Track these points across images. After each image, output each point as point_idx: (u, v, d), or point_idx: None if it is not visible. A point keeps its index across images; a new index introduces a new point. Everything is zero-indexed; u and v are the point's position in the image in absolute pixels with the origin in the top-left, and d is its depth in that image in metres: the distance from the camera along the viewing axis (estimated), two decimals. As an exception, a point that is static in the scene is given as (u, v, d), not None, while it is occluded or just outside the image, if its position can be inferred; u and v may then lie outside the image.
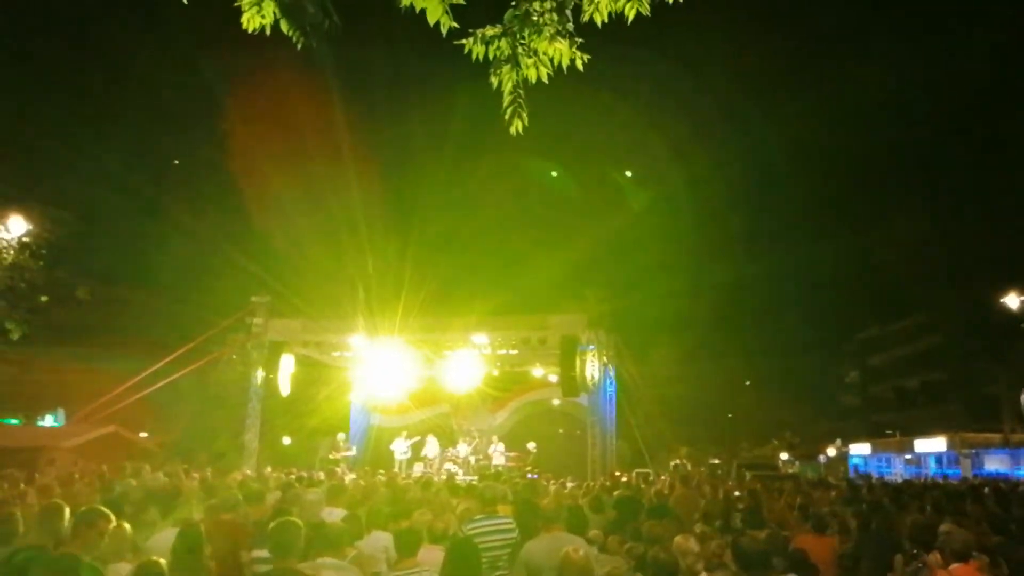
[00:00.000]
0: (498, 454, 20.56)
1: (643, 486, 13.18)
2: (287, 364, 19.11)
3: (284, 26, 4.23)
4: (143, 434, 23.03)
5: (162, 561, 4.02)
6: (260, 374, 19.31)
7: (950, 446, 39.42)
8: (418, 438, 20.80)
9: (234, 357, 20.81)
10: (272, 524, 4.63)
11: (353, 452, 20.93)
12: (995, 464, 36.88)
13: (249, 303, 19.90)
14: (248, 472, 14.98)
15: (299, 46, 4.30)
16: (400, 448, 20.39)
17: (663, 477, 16.65)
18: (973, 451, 38.14)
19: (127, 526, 4.78)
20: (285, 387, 19.05)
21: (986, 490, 13.60)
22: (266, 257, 25.84)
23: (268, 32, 4.20)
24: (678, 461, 31.03)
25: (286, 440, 24.71)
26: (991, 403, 41.85)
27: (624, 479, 15.91)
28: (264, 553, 4.89)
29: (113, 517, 4.62)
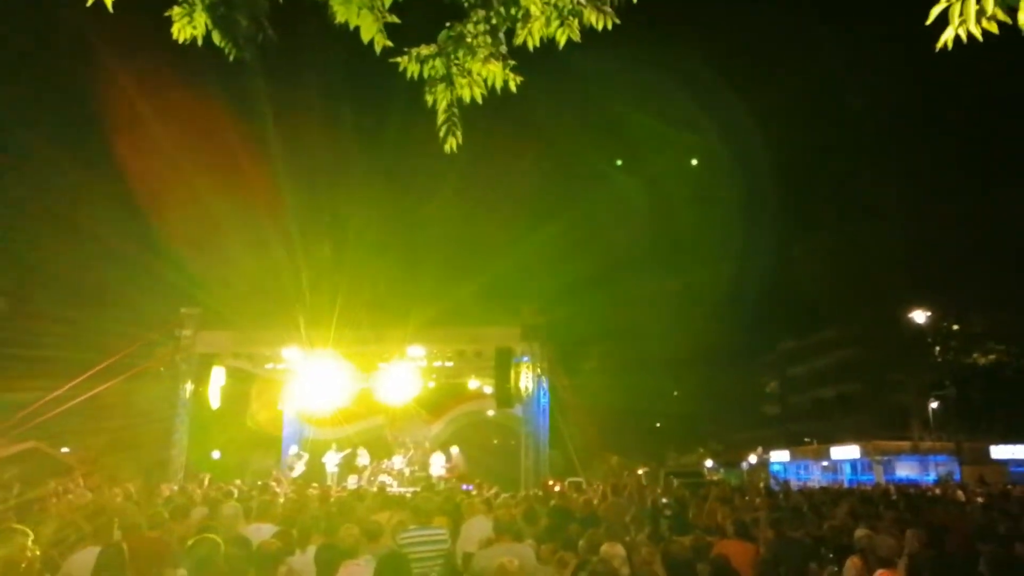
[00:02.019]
0: (438, 466, 20.48)
1: (575, 495, 13.33)
2: (217, 377, 18.69)
3: (216, 37, 4.20)
4: (64, 449, 22.17)
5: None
6: (189, 387, 18.81)
7: (864, 453, 41.23)
8: (348, 451, 20.55)
9: (162, 370, 20.12)
10: (191, 542, 4.53)
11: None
12: (906, 470, 38.78)
13: (178, 315, 19.38)
14: (174, 487, 14.53)
15: (231, 58, 4.27)
16: (331, 461, 20.12)
17: (598, 486, 16.88)
18: (885, 458, 40.00)
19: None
20: (215, 400, 18.61)
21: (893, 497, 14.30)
22: (196, 269, 25.13)
23: (200, 43, 4.17)
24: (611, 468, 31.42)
25: (215, 454, 24.02)
26: (901, 412, 44.03)
27: (557, 488, 16.07)
28: (184, 572, 4.78)
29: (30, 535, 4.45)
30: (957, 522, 8.33)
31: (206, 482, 15.35)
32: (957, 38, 3.14)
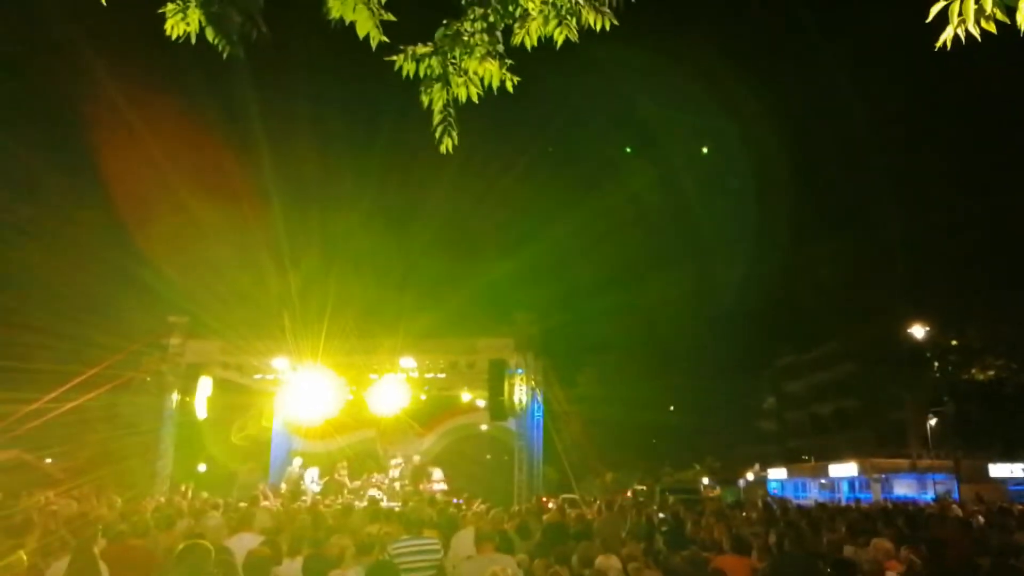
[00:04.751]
0: (436, 481, 20.30)
1: (568, 510, 13.22)
2: (204, 387, 18.49)
3: (209, 34, 4.15)
4: (48, 460, 21.94)
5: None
6: (175, 397, 18.62)
7: (861, 471, 41.08)
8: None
9: (148, 380, 19.92)
10: (180, 548, 4.48)
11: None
12: (903, 488, 38.61)
13: (165, 323, 19.22)
14: (160, 499, 14.35)
15: (224, 55, 4.22)
16: (310, 477, 19.83)
17: (594, 502, 16.76)
18: (883, 476, 39.85)
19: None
20: (202, 411, 18.41)
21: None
22: (184, 277, 24.95)
23: (193, 40, 4.12)
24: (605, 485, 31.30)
25: (202, 467, 23.79)
26: (899, 429, 43.92)
27: (551, 504, 15.92)
28: (172, 580, 4.71)
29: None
30: (956, 537, 8.26)
31: (189, 493, 15.18)
32: (956, 38, 3.12)
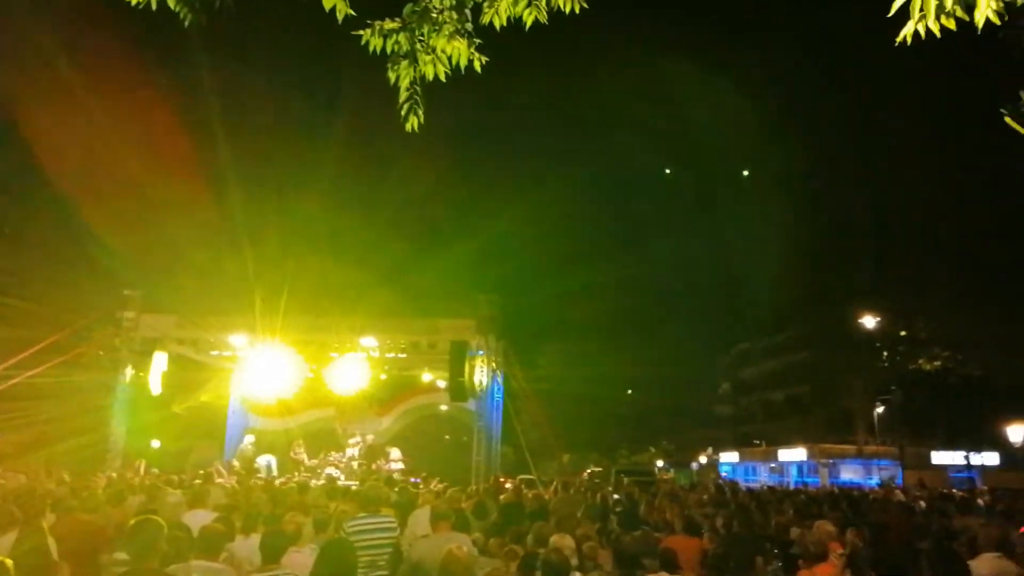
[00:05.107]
0: (393, 460, 20.25)
1: (525, 490, 13.34)
2: (159, 362, 18.14)
3: (171, 1, 4.05)
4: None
5: (8, 561, 3.76)
6: (129, 372, 18.25)
7: (810, 456, 42.14)
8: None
9: (101, 353, 19.47)
10: (132, 523, 4.42)
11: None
12: (850, 474, 39.72)
13: (120, 296, 18.78)
14: (112, 474, 14.10)
15: (187, 23, 4.12)
16: (263, 463, 19.59)
17: (552, 482, 16.94)
18: (831, 461, 40.93)
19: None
20: (156, 386, 18.08)
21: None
22: (140, 252, 24.30)
23: (154, 6, 4.01)
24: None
25: (155, 443, 23.36)
26: (847, 416, 45.07)
27: (508, 485, 16.05)
28: (125, 555, 4.66)
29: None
30: (898, 521, 8.56)
31: (142, 470, 14.94)
32: (916, 34, 3.20)
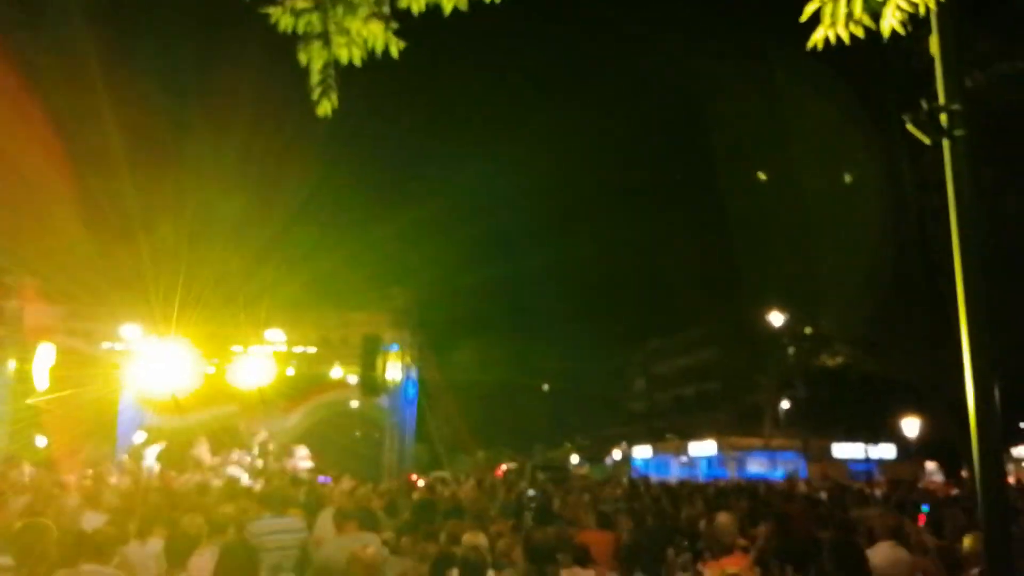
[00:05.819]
0: (300, 459, 19.65)
1: (440, 488, 13.22)
2: (46, 354, 17.04)
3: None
4: None
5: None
6: (12, 365, 17.10)
7: (720, 449, 43.52)
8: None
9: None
10: (17, 526, 4.11)
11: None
12: (756, 467, 41.20)
13: (1, 285, 17.57)
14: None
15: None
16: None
17: (467, 480, 16.85)
18: (738, 454, 42.40)
19: None
20: (42, 380, 16.98)
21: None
22: (22, 237, 22.62)
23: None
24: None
25: (41, 441, 21.91)
26: (755, 411, 46.78)
27: (421, 483, 15.85)
28: (9, 560, 4.35)
29: None
30: (801, 512, 8.89)
31: (26, 469, 13.96)
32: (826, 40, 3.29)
